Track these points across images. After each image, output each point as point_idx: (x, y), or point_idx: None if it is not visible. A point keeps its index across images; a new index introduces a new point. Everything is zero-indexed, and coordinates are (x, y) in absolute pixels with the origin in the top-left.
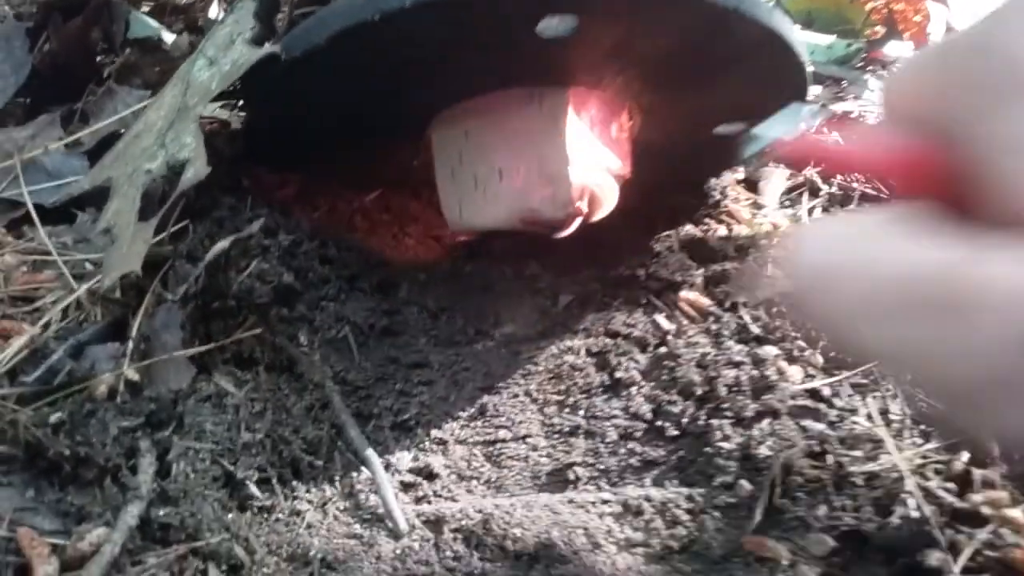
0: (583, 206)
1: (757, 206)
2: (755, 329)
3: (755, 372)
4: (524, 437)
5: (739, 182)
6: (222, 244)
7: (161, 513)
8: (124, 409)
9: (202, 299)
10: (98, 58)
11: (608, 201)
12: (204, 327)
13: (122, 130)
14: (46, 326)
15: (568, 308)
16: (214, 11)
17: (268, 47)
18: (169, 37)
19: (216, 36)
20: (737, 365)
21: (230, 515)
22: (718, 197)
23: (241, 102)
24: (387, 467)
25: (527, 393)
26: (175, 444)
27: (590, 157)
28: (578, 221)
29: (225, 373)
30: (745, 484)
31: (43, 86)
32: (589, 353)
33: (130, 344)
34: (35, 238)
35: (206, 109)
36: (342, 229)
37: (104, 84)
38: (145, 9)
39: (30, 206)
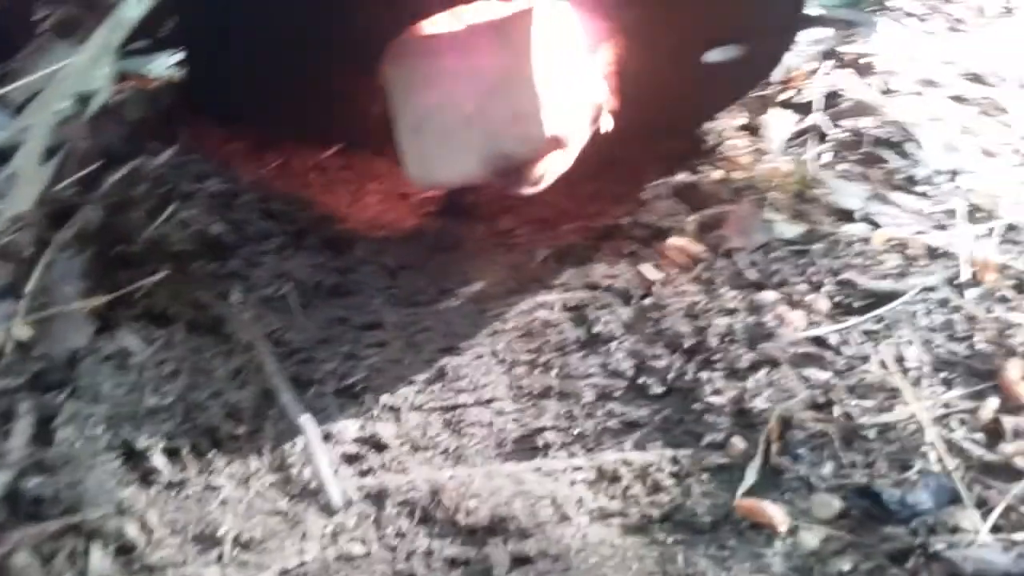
0: (559, 142)
1: (760, 153)
2: (751, 275)
3: (751, 320)
4: (488, 401)
5: (740, 128)
6: (120, 174)
7: (32, 484)
8: (5, 369)
9: (104, 243)
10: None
11: (580, 138)
12: (110, 279)
13: None
14: None
15: (544, 263)
16: None
17: None
18: None
19: None
20: (731, 313)
21: (127, 490)
22: (714, 142)
23: (184, 54)
24: (327, 438)
25: (493, 353)
26: (64, 408)
27: (563, 89)
28: (552, 172)
29: (133, 331)
30: (738, 442)
31: None
32: (565, 308)
33: (24, 300)
34: None
35: (152, 68)
36: (294, 185)
37: (40, 39)
38: None
39: None
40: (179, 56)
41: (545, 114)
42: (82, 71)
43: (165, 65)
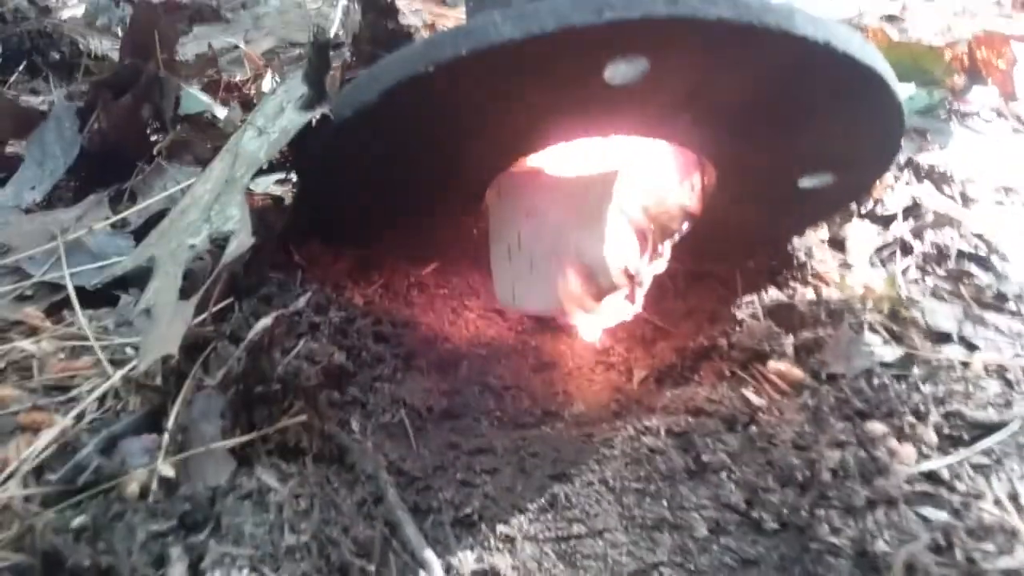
0: (630, 279)
1: (846, 266)
2: (857, 403)
3: (862, 453)
4: (601, 532)
5: (825, 242)
6: (265, 321)
7: None
8: (155, 510)
9: (244, 383)
10: (150, 137)
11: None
12: (247, 415)
13: (170, 208)
14: (79, 417)
15: (644, 384)
16: (267, 86)
17: (318, 109)
18: (222, 112)
19: (266, 106)
20: (841, 445)
21: None
22: (803, 258)
23: (293, 176)
24: (448, 570)
25: (603, 481)
26: (210, 549)
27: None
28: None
29: (268, 466)
30: None
31: (93, 166)
32: (670, 433)
33: (166, 436)
34: (74, 322)
35: (257, 183)
36: (398, 305)
37: (154, 162)
38: (197, 86)
39: (70, 288)
40: (286, 175)
41: (612, 267)
42: (208, 205)
43: (271, 181)
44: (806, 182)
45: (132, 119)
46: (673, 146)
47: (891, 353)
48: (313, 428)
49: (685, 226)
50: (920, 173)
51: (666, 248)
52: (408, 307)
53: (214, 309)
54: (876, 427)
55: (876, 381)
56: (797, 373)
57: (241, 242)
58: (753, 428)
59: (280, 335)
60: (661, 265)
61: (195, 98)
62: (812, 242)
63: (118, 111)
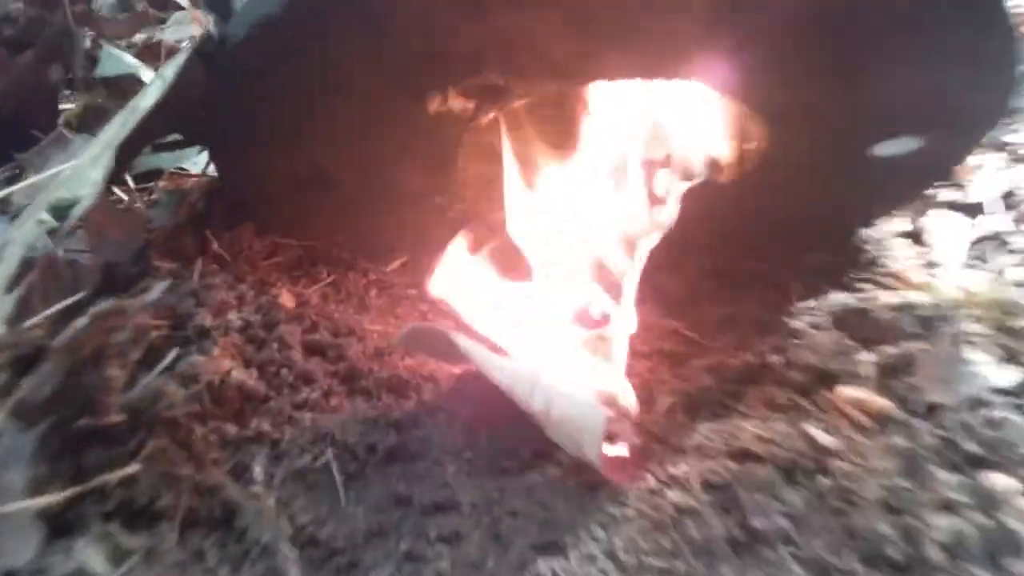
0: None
1: (930, 266)
2: (968, 445)
3: (984, 519)
4: None
5: (902, 235)
6: (81, 322)
7: None
8: None
9: (62, 413)
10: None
11: None
12: (72, 460)
13: None
14: None
15: (670, 414)
16: None
17: (207, 30)
18: (149, 75)
19: (180, 55)
20: (952, 507)
21: None
22: (874, 252)
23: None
24: None
25: (610, 554)
26: None
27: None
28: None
29: (101, 536)
30: None
31: None
32: (706, 486)
33: None
34: None
35: (195, 162)
36: (347, 308)
37: (55, 131)
38: (127, 47)
39: None
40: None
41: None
42: (80, 173)
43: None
44: (882, 148)
45: (37, 81)
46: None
47: (1007, 376)
48: (180, 478)
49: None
50: (1014, 156)
51: (673, 195)
52: (361, 311)
53: (61, 306)
54: (999, 480)
55: (991, 414)
56: (881, 402)
57: (82, 210)
58: (823, 480)
59: (126, 343)
60: (669, 213)
61: (117, 59)
62: (886, 235)
63: (18, 71)
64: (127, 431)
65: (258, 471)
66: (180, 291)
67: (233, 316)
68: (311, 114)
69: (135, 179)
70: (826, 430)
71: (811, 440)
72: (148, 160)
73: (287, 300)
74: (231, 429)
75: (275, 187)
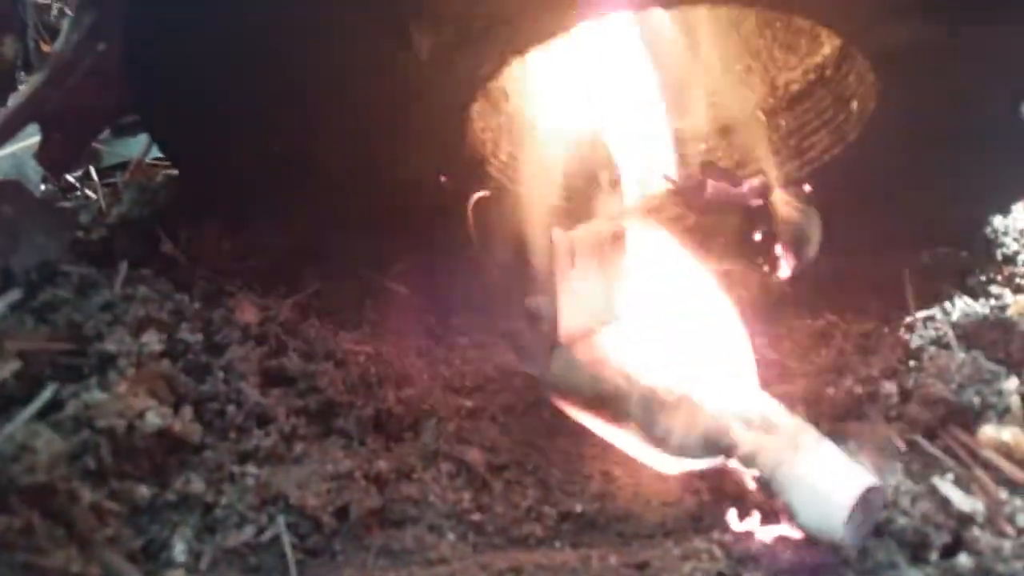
0: None
1: None
2: None
3: None
4: None
5: None
6: None
7: None
8: None
9: None
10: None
11: None
12: None
13: None
14: None
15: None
16: None
17: None
18: None
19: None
20: None
21: None
22: (1015, 248)
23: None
24: None
25: None
26: None
27: None
28: None
29: None
30: None
31: None
32: (796, 570)
33: None
34: None
35: None
36: (331, 324)
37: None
38: None
39: None
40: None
41: None
42: None
43: None
44: None
45: None
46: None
47: None
48: (46, 571)
49: None
50: None
51: None
52: (351, 329)
53: None
54: None
55: None
56: None
57: None
58: (963, 559)
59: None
60: None
61: None
62: (1014, 229)
63: None
64: None
65: (179, 550)
66: (91, 304)
67: (153, 338)
68: (276, 73)
69: (101, 172)
70: (964, 487)
71: (943, 502)
72: (117, 150)
73: (247, 315)
74: (143, 492)
75: (242, 171)
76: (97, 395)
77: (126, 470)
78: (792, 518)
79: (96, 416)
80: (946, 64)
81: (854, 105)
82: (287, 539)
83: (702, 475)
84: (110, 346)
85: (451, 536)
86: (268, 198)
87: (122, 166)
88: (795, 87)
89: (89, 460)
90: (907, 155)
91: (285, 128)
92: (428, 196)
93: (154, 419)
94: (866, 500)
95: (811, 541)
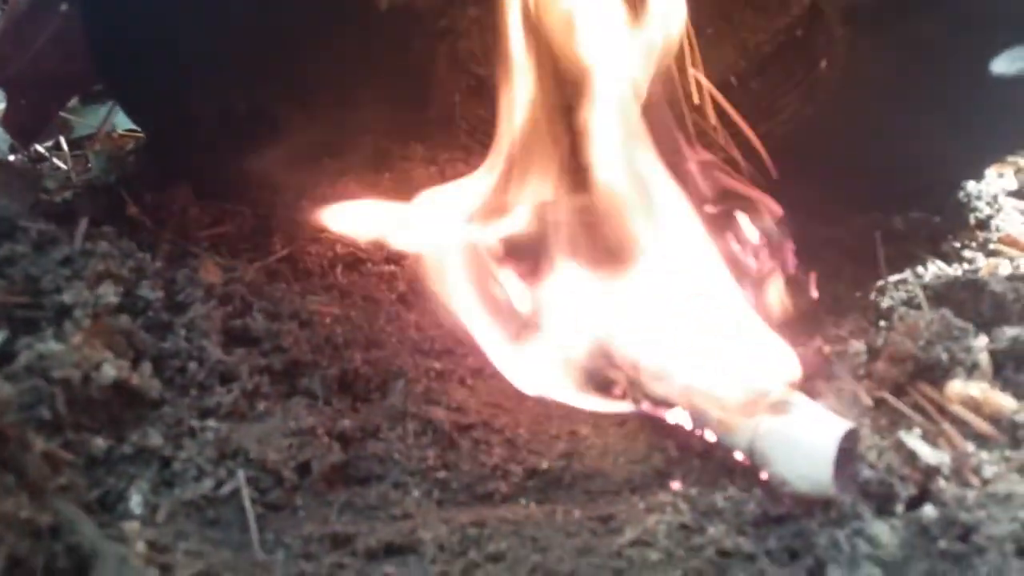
0: None
1: None
2: None
3: None
4: None
5: (1012, 194)
6: None
7: None
8: None
9: None
10: None
11: None
12: None
13: None
14: None
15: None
16: None
17: None
18: None
19: None
20: None
21: None
22: (987, 211)
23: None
24: None
25: None
26: None
27: None
28: None
29: None
30: None
31: None
32: (765, 521)
33: None
34: None
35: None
36: (300, 286)
37: None
38: None
39: None
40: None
41: None
42: None
43: None
44: (1006, 64)
45: None
46: None
47: None
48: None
49: None
50: None
51: None
52: (321, 291)
53: None
54: None
55: None
56: (1002, 401)
57: None
58: (929, 512)
59: None
60: None
61: None
62: (987, 193)
63: None
64: None
65: (136, 502)
66: (50, 259)
67: (109, 290)
68: (236, 30)
69: (71, 143)
70: (931, 441)
71: (910, 455)
72: (89, 120)
73: (211, 275)
74: (99, 444)
75: (205, 133)
76: (52, 346)
77: (82, 422)
78: (780, 486)
79: (51, 366)
80: (916, 23)
81: (823, 64)
82: (246, 492)
83: (668, 432)
84: (66, 298)
85: (416, 493)
86: (231, 161)
87: (92, 137)
88: (766, 48)
89: (43, 410)
90: (878, 118)
91: (245, 87)
92: (400, 158)
93: (110, 371)
94: (846, 450)
95: (774, 494)
